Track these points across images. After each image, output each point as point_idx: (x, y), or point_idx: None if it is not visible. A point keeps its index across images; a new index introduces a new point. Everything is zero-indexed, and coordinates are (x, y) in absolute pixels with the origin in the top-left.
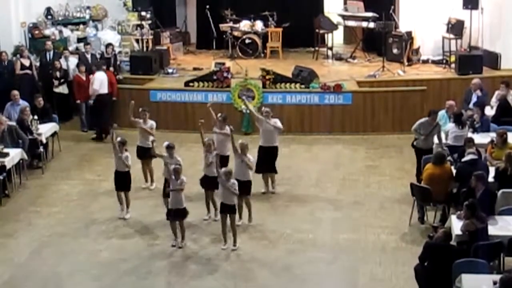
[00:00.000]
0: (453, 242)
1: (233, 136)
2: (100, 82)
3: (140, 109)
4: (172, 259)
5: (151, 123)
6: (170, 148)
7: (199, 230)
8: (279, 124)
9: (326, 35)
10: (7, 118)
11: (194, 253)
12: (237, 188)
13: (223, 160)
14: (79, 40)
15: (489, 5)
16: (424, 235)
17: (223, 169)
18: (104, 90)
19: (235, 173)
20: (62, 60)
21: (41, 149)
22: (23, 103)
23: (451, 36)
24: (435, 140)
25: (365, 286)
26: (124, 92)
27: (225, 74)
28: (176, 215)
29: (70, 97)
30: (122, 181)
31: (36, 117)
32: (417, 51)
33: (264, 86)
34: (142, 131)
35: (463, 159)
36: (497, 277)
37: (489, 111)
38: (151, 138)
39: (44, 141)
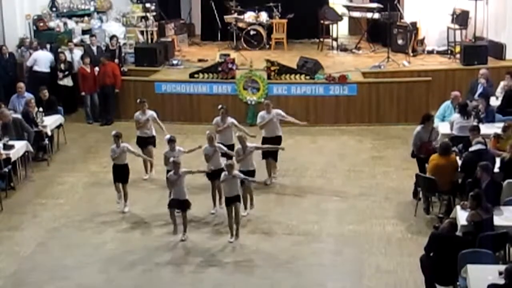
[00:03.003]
0: (458, 233)
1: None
2: (34, 60)
3: (138, 100)
4: (176, 251)
5: (151, 113)
6: (171, 141)
7: (203, 222)
8: (281, 113)
9: (330, 26)
10: (12, 110)
11: (198, 245)
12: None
13: (228, 149)
14: (84, 32)
15: None
16: (430, 226)
17: (225, 163)
18: (42, 68)
19: (239, 165)
20: (67, 53)
21: (46, 141)
22: (28, 95)
23: (456, 26)
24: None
25: (370, 277)
26: (129, 84)
27: (230, 66)
28: (178, 206)
29: (75, 89)
30: (120, 173)
31: (41, 109)
32: (422, 41)
33: (269, 77)
34: (146, 123)
35: (470, 149)
36: (502, 267)
37: (494, 102)
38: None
39: (49, 133)
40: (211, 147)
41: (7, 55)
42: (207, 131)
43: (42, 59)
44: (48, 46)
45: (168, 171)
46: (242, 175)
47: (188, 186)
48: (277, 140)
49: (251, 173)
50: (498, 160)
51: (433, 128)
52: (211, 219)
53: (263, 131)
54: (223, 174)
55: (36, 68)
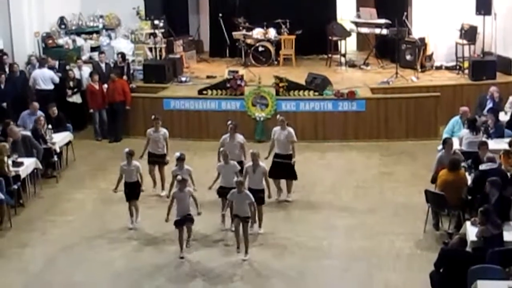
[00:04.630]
0: (468, 248)
1: (244, 147)
2: (33, 79)
3: (152, 117)
4: (185, 268)
5: (164, 131)
6: (180, 159)
7: (211, 240)
8: (293, 136)
9: (339, 42)
10: (22, 127)
11: (206, 262)
12: (252, 197)
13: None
14: (93, 49)
15: (502, 10)
16: (439, 242)
17: (235, 180)
18: (42, 86)
19: (248, 182)
20: (76, 70)
21: (55, 158)
22: (38, 113)
23: (464, 41)
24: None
25: None
26: (137, 101)
27: (238, 82)
28: (184, 221)
29: (83, 107)
30: (132, 190)
31: (50, 126)
32: (430, 57)
33: (277, 93)
34: (154, 143)
35: (481, 167)
36: None
37: (503, 117)
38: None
39: (58, 150)
40: (226, 164)
41: (18, 73)
42: (221, 149)
43: (40, 78)
44: (53, 62)
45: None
46: (251, 197)
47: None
48: (289, 157)
49: (261, 192)
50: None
51: (455, 152)
52: (218, 237)
53: (276, 147)
54: (232, 191)
55: (37, 87)
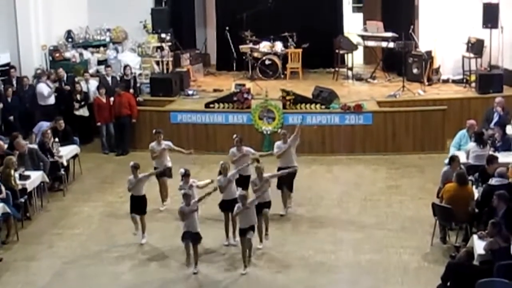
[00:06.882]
0: (475, 262)
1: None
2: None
3: (154, 131)
4: (191, 283)
5: (165, 143)
6: (186, 175)
7: (216, 254)
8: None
9: (346, 56)
10: (35, 134)
11: (212, 277)
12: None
13: (245, 180)
14: (100, 62)
15: (509, 23)
16: (446, 255)
17: (238, 193)
18: (46, 102)
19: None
20: (83, 83)
21: (62, 171)
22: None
23: (471, 55)
24: None
25: None
26: (144, 114)
27: (245, 95)
28: (191, 238)
29: (90, 120)
30: (138, 205)
31: (57, 139)
32: (437, 70)
33: (284, 107)
34: (162, 153)
35: (490, 181)
36: None
37: (510, 130)
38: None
39: (65, 163)
40: (224, 177)
41: (27, 87)
42: (221, 162)
43: (39, 93)
44: (62, 74)
45: None
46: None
47: (202, 218)
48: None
49: (267, 204)
50: None
51: (461, 168)
52: (224, 251)
53: (279, 161)
54: (236, 206)
55: (43, 103)
